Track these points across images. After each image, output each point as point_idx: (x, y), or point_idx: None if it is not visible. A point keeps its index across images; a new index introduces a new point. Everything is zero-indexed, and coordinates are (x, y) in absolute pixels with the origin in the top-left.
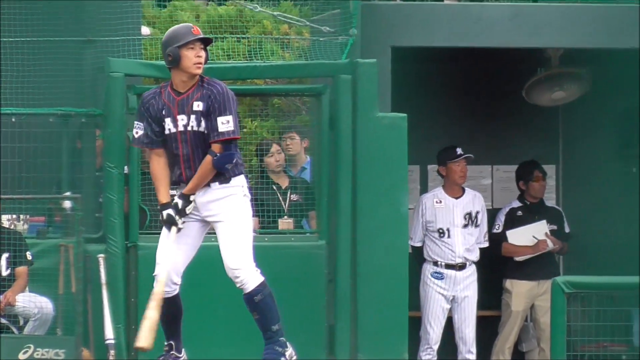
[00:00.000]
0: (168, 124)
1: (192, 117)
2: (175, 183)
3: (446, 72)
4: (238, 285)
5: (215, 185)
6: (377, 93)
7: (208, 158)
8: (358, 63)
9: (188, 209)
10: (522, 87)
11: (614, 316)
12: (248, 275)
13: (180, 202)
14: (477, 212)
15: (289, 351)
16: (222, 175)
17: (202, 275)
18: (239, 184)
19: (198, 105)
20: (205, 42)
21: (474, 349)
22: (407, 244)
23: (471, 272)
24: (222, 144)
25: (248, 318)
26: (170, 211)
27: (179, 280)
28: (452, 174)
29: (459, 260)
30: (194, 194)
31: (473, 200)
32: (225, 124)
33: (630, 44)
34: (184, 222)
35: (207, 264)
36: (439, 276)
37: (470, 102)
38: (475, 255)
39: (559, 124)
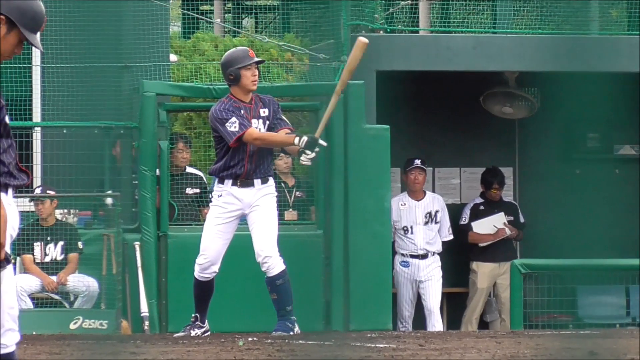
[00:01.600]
0: None
1: (260, 121)
2: (230, 177)
3: (421, 91)
4: (264, 268)
5: (258, 184)
6: (364, 108)
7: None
8: (348, 84)
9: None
10: (483, 100)
11: (562, 292)
12: (275, 262)
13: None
14: (437, 211)
15: (296, 328)
16: (265, 174)
17: (227, 259)
18: (273, 184)
19: (264, 112)
20: (259, 63)
21: (439, 320)
22: (390, 232)
23: (433, 260)
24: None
25: (263, 297)
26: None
27: (217, 269)
28: (408, 181)
29: (420, 252)
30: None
31: (433, 202)
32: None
33: (572, 67)
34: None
35: (232, 250)
36: (406, 264)
37: (441, 115)
38: (437, 247)
39: (516, 133)
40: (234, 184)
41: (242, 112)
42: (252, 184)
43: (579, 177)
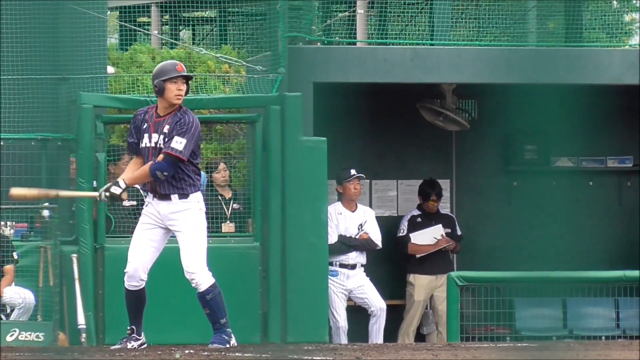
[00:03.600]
0: (145, 139)
1: (161, 136)
2: (150, 189)
3: (359, 103)
4: (193, 285)
5: (176, 199)
6: (301, 121)
7: (149, 163)
8: (285, 96)
9: (123, 196)
10: (419, 107)
11: (499, 304)
12: (202, 277)
13: (118, 189)
14: (365, 221)
15: (233, 340)
16: (181, 190)
17: (160, 271)
18: (195, 199)
19: (167, 128)
20: (187, 77)
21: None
22: (326, 244)
23: (359, 271)
24: (166, 156)
25: (198, 309)
26: (113, 189)
27: (145, 277)
28: (347, 192)
29: (351, 261)
30: (128, 186)
31: (364, 214)
32: (178, 143)
33: (510, 79)
34: (109, 198)
35: (165, 262)
36: (334, 273)
37: (379, 127)
38: (364, 259)
39: (453, 145)
40: (154, 196)
41: (145, 125)
42: (169, 198)
43: (516, 189)
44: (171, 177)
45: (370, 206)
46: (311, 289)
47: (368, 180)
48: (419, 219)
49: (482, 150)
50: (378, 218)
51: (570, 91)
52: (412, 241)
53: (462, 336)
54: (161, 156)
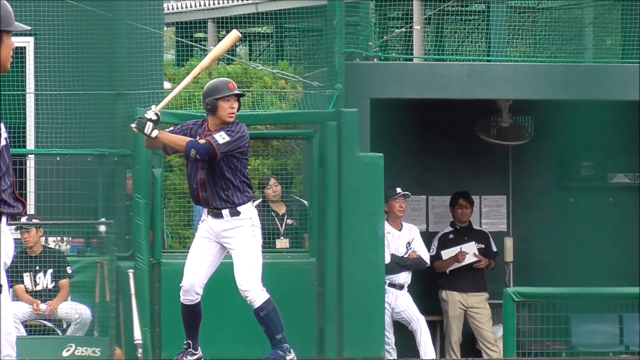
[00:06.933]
0: None
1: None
2: (202, 205)
3: (415, 119)
4: (247, 302)
5: (227, 217)
6: (358, 136)
7: (188, 139)
8: (342, 112)
9: (147, 131)
10: (476, 130)
11: (555, 320)
12: (255, 295)
13: (151, 122)
14: (412, 239)
15: (291, 356)
16: (232, 207)
17: (218, 286)
18: (248, 216)
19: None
20: (239, 95)
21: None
22: (383, 259)
23: (405, 292)
24: (206, 143)
25: (255, 324)
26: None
27: (201, 291)
28: (392, 210)
29: (401, 281)
30: (160, 137)
31: (410, 232)
32: (221, 138)
33: (567, 95)
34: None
35: (223, 277)
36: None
37: (435, 143)
38: (410, 279)
39: (509, 161)
40: (208, 212)
41: (197, 138)
42: (221, 215)
43: (572, 206)
44: (219, 187)
45: (427, 222)
46: (368, 305)
47: (424, 197)
48: (450, 236)
49: (538, 166)
50: (434, 234)
51: (627, 107)
52: (443, 259)
53: (518, 352)
54: (202, 140)
